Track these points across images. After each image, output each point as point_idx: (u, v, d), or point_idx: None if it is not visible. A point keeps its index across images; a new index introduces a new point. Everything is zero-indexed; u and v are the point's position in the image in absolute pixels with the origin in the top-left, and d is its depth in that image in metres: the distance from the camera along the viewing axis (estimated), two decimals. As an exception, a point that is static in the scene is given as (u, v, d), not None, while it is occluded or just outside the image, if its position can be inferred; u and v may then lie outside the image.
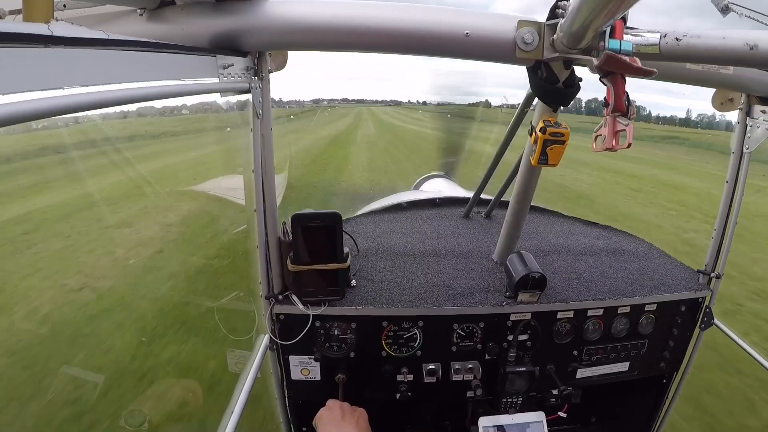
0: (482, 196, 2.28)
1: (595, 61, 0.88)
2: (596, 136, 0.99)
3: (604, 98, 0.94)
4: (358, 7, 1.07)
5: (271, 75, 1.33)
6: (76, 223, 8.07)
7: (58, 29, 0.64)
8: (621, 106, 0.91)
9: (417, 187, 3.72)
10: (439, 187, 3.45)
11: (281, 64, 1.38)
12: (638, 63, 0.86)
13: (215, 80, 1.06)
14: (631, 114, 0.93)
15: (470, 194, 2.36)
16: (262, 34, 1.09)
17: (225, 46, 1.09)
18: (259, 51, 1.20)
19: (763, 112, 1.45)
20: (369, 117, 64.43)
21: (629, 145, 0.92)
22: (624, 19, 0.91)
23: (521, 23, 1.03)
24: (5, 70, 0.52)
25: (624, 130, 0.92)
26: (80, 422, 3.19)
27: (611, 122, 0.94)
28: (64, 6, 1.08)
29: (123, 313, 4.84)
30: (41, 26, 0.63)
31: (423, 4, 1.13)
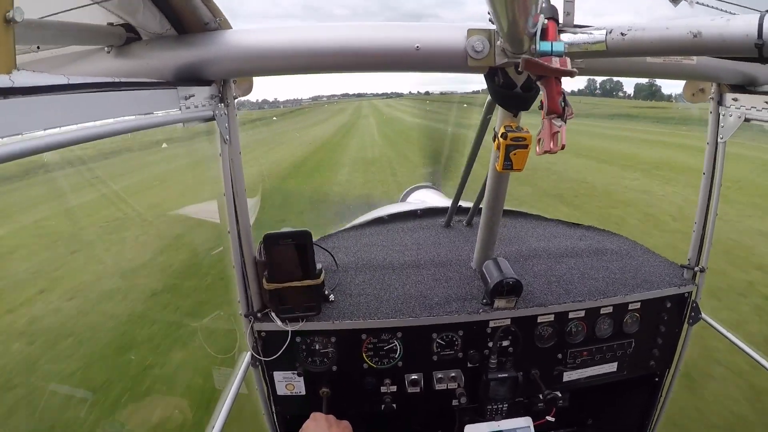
0: (463, 203, 2.28)
1: (519, 66, 0.89)
2: (538, 140, 0.99)
3: (541, 101, 0.94)
4: (314, 31, 1.11)
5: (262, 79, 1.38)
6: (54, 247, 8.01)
7: (19, 79, 0.69)
8: (556, 108, 0.90)
9: (404, 199, 3.73)
10: (423, 198, 3.45)
11: (247, 90, 1.43)
12: (567, 63, 0.86)
13: (177, 111, 1.11)
14: (567, 115, 0.92)
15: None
16: (224, 63, 1.13)
17: (189, 76, 1.14)
18: (224, 79, 1.25)
19: (735, 100, 1.43)
20: (371, 113, 55.19)
21: (563, 147, 0.91)
22: (556, 20, 0.91)
23: (471, 32, 1.04)
24: None
25: (559, 131, 0.91)
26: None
27: (547, 124, 0.93)
28: (38, 48, 1.14)
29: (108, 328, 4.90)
30: (2, 78, 0.68)
31: (377, 21, 1.17)
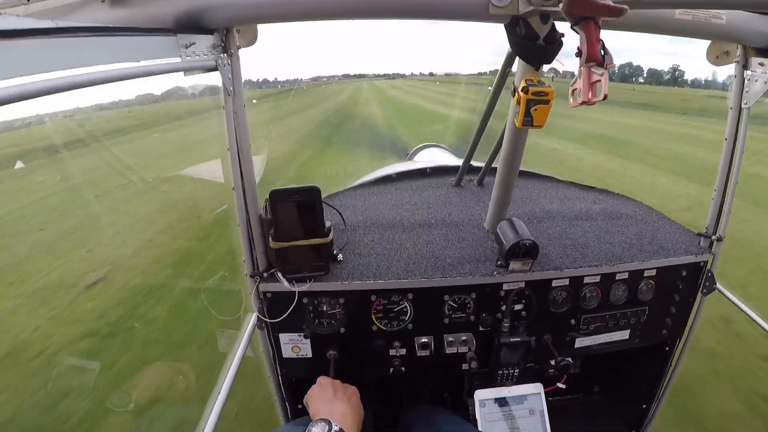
0: (474, 163, 2.21)
1: (561, 6, 0.82)
2: (572, 90, 0.94)
3: (578, 48, 0.89)
4: None
5: (263, 51, 1.30)
6: (56, 214, 7.87)
7: (4, 23, 0.64)
8: (595, 55, 0.86)
9: (410, 158, 3.63)
10: (432, 157, 3.34)
11: (251, 40, 1.35)
12: (610, 2, 0.80)
13: (177, 59, 1.04)
14: (607, 64, 0.87)
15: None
16: (226, 10, 1.06)
17: (190, 24, 1.07)
18: (227, 27, 1.18)
19: (761, 64, 1.35)
20: (372, 95, 43.71)
21: (605, 97, 0.87)
22: None
23: None
24: None
25: (599, 80, 0.86)
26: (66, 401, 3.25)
27: (586, 73, 0.88)
28: (28, 0, 1.07)
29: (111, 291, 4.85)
30: None
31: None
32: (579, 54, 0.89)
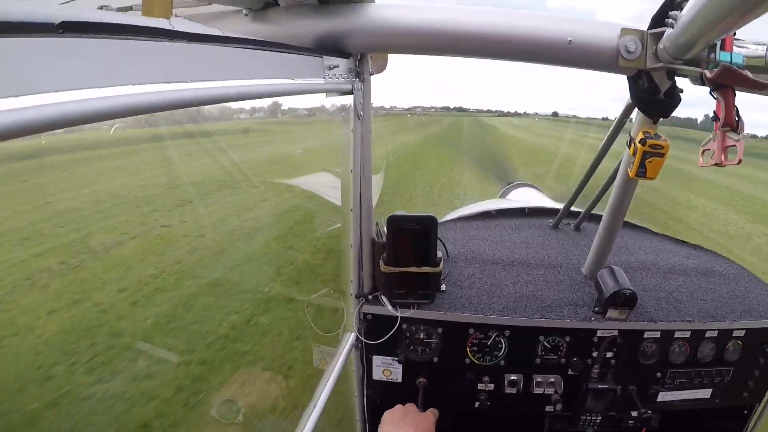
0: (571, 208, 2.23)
1: (708, 74, 0.85)
2: (703, 151, 0.96)
3: (714, 112, 0.91)
4: (461, 13, 1.08)
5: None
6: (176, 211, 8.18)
7: (179, 25, 0.67)
8: (731, 121, 0.88)
9: (503, 196, 3.66)
10: (526, 197, 3.34)
11: (381, 67, 1.40)
12: (750, 76, 0.83)
13: (321, 80, 1.08)
14: (740, 129, 0.90)
15: (558, 205, 2.29)
16: (364, 37, 1.10)
17: (328, 47, 1.11)
18: (361, 53, 1.22)
19: None
20: None
21: (740, 161, 0.89)
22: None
23: (624, 31, 1.01)
24: (133, 61, 0.54)
25: (734, 145, 0.89)
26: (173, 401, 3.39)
27: (721, 137, 0.91)
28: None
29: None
30: (163, 21, 0.66)
31: (526, 10, 1.13)
32: (716, 118, 0.91)
